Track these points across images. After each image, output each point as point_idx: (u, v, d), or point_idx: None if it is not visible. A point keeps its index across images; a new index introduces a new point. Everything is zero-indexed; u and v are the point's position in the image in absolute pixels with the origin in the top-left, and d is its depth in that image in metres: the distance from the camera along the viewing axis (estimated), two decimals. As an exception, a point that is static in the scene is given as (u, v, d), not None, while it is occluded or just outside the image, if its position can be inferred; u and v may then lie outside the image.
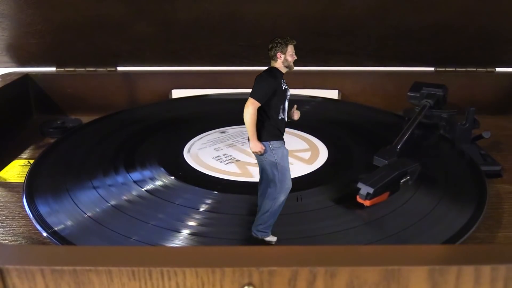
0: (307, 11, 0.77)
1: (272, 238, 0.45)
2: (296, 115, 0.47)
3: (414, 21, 0.78)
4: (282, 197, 0.44)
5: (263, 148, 0.43)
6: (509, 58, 0.85)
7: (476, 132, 0.68)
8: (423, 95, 0.72)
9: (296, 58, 0.44)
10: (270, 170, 0.44)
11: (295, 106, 0.47)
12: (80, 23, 0.78)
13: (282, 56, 0.43)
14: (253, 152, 0.44)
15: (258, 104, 0.42)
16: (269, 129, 0.43)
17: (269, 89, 0.42)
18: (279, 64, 0.44)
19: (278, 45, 0.43)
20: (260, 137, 0.43)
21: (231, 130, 0.71)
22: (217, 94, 0.89)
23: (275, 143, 0.43)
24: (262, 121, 0.43)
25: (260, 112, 0.43)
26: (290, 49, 0.43)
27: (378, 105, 0.85)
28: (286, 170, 0.44)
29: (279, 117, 0.44)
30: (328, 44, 0.83)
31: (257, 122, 0.43)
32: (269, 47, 0.44)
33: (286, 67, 0.44)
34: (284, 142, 0.44)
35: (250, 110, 0.42)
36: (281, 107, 0.44)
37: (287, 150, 0.44)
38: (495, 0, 0.73)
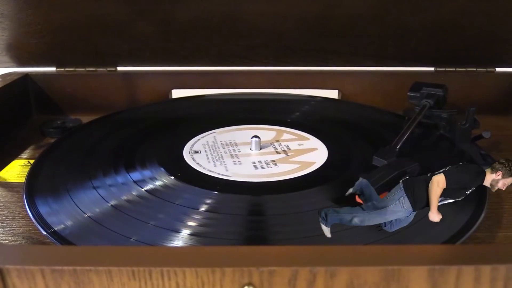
0: (307, 11, 0.77)
1: (326, 230, 0.45)
2: None
3: (414, 21, 0.78)
4: (354, 222, 0.45)
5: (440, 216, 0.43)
6: (509, 58, 0.85)
7: (476, 132, 0.68)
8: (423, 95, 0.72)
9: (504, 189, 0.44)
10: (384, 203, 0.45)
11: None
12: (80, 23, 0.78)
13: (499, 177, 0.43)
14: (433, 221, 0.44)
15: (444, 185, 0.43)
16: (421, 197, 0.44)
17: (461, 184, 0.43)
18: (489, 177, 0.44)
19: (508, 169, 0.43)
20: (409, 196, 0.44)
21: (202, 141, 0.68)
22: (217, 94, 0.89)
23: (405, 203, 0.44)
24: (422, 190, 0.44)
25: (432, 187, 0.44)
26: (510, 180, 0.43)
27: (378, 105, 0.85)
28: (380, 217, 0.45)
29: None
30: (328, 44, 0.83)
31: (420, 188, 0.44)
32: (501, 160, 0.44)
33: (488, 185, 0.44)
34: (410, 212, 0.45)
35: (436, 188, 0.43)
36: (442, 201, 0.44)
37: (405, 217, 0.45)
38: (495, 0, 0.73)
